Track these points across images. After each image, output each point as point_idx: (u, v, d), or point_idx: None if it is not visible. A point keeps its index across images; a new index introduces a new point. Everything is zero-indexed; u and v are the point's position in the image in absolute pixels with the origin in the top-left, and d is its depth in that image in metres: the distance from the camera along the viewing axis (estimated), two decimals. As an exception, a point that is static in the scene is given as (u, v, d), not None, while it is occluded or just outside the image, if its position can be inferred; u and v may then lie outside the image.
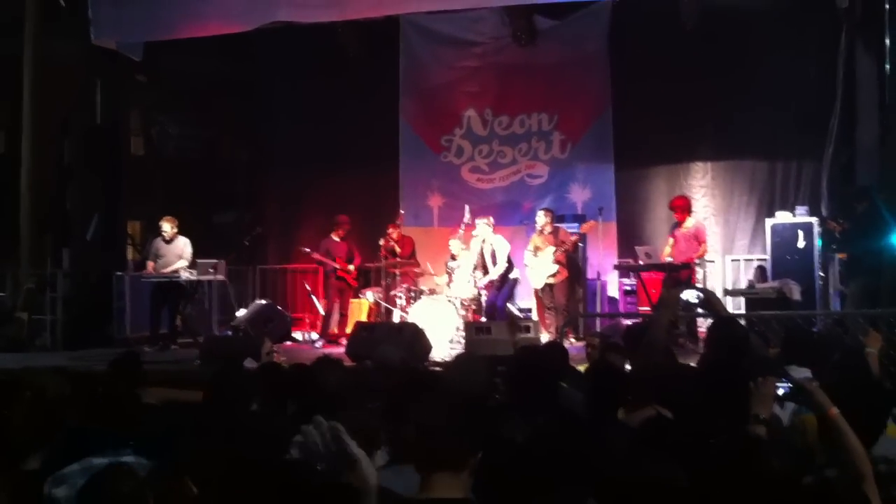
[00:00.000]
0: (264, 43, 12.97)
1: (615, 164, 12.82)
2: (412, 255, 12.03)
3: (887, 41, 10.30)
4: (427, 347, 9.16)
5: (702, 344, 7.69)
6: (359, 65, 13.44)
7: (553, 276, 10.94)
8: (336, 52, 13.27)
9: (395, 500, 2.96)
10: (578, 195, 12.99)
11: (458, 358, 6.29)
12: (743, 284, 11.40)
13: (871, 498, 2.90)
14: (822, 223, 10.67)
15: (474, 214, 11.44)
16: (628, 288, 12.10)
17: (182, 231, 11.29)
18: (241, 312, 11.47)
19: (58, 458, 3.51)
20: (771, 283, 10.40)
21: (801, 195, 11.96)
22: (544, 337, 10.20)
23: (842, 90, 10.75)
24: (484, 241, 11.07)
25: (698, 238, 10.59)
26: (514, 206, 13.13)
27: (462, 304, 10.73)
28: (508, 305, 11.21)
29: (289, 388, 4.80)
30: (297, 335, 12.33)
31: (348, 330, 11.25)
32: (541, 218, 11.17)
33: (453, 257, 11.35)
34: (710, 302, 6.43)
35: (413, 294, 11.31)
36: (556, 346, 6.04)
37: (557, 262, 10.89)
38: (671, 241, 10.74)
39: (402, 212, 12.65)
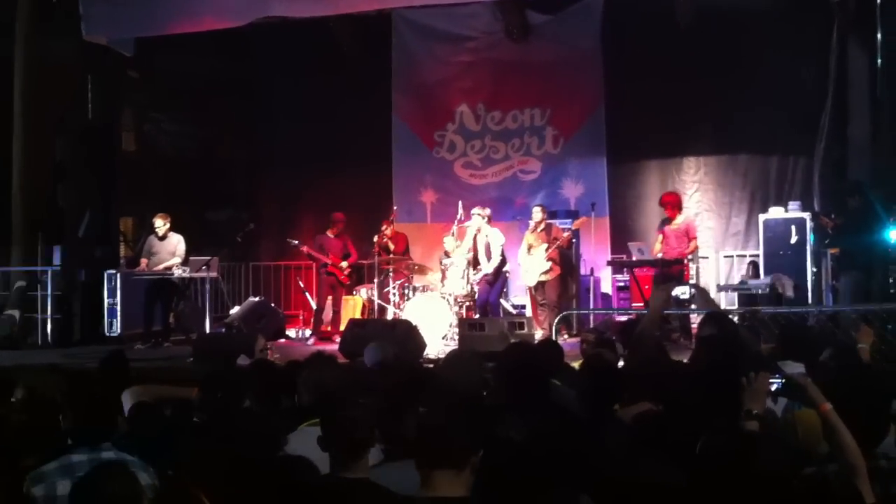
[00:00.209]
0: (259, 40, 12.95)
1: (608, 159, 12.83)
2: (406, 251, 12.03)
3: (879, 37, 10.33)
4: (421, 344, 9.15)
5: (694, 340, 7.70)
6: (353, 62, 13.44)
7: (546, 272, 10.93)
8: (330, 48, 13.25)
9: (396, 499, 2.96)
10: (571, 191, 12.99)
11: (451, 355, 6.29)
12: (736, 280, 11.43)
13: (864, 493, 2.91)
14: (815, 219, 10.69)
15: (469, 207, 11.41)
16: (621, 284, 12.12)
17: (175, 228, 11.26)
18: (234, 309, 11.45)
19: (53, 456, 3.51)
20: (763, 279, 10.43)
21: (793, 191, 11.99)
22: (538, 334, 10.20)
23: (834, 86, 10.79)
24: (479, 230, 11.04)
25: (689, 234, 10.60)
26: (506, 202, 13.12)
27: (456, 300, 10.72)
28: (502, 301, 11.20)
29: (282, 385, 4.80)
30: (291, 332, 12.32)
31: (342, 327, 11.23)
32: (537, 213, 11.16)
33: (447, 254, 11.33)
34: (701, 298, 6.45)
35: (407, 291, 11.30)
36: (551, 344, 6.04)
37: (550, 259, 10.88)
38: (660, 237, 10.75)
39: (395, 208, 12.64)
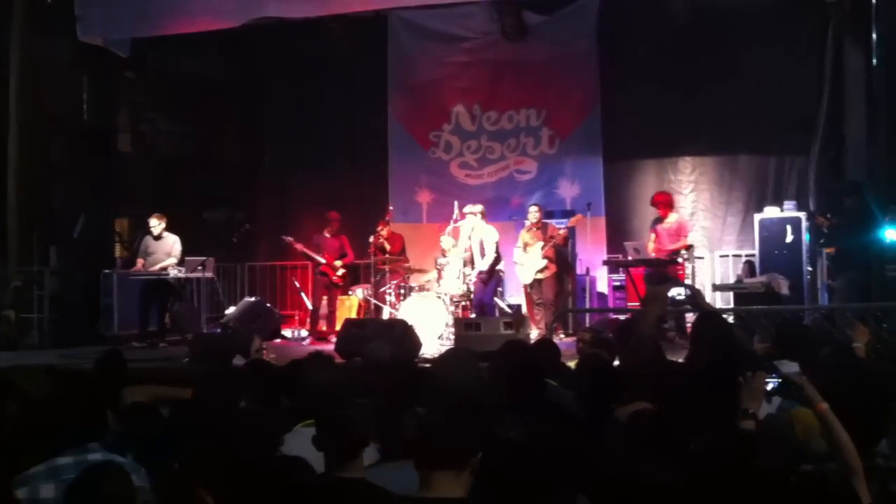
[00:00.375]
0: (254, 40, 12.95)
1: (604, 159, 12.84)
2: (402, 252, 12.02)
3: (874, 36, 10.34)
4: (417, 344, 9.15)
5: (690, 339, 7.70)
6: (349, 62, 13.44)
7: (542, 270, 10.94)
8: (326, 49, 13.24)
9: (393, 499, 2.95)
10: (567, 191, 12.99)
11: (446, 354, 6.28)
12: (731, 279, 11.43)
13: (860, 492, 2.91)
14: (811, 218, 10.71)
15: (463, 206, 11.41)
16: (617, 283, 12.13)
17: (171, 228, 11.26)
18: (230, 310, 11.43)
19: (48, 457, 3.49)
20: (759, 278, 10.43)
21: (789, 190, 12.00)
22: (534, 333, 10.21)
23: (829, 86, 10.80)
24: (473, 229, 11.04)
25: (680, 233, 10.62)
26: (502, 202, 13.11)
27: (452, 300, 10.72)
28: (496, 300, 11.21)
29: (279, 386, 4.80)
30: (287, 332, 12.30)
31: (338, 327, 11.22)
32: (533, 214, 11.16)
33: (444, 253, 11.33)
34: (696, 298, 6.46)
35: (403, 291, 11.30)
36: (547, 344, 6.03)
37: (546, 256, 10.89)
38: (653, 236, 10.76)
39: (391, 208, 12.64)
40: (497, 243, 10.99)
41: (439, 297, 10.64)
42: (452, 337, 9.71)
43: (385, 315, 11.19)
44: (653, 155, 12.90)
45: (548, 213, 11.75)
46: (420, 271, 11.70)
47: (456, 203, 11.62)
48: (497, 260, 10.99)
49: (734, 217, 12.50)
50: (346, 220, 12.30)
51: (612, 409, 4.09)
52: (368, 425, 3.26)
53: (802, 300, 10.39)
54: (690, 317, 9.58)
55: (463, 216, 11.17)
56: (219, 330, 10.98)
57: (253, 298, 11.91)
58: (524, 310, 11.32)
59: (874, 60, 10.35)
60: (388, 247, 11.76)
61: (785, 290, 10.01)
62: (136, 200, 13.23)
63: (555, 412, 4.07)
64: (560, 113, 13.12)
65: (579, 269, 11.95)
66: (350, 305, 11.99)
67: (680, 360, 5.64)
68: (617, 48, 12.58)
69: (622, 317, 9.49)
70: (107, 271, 11.99)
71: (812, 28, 11.34)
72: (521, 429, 3.36)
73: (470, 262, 10.99)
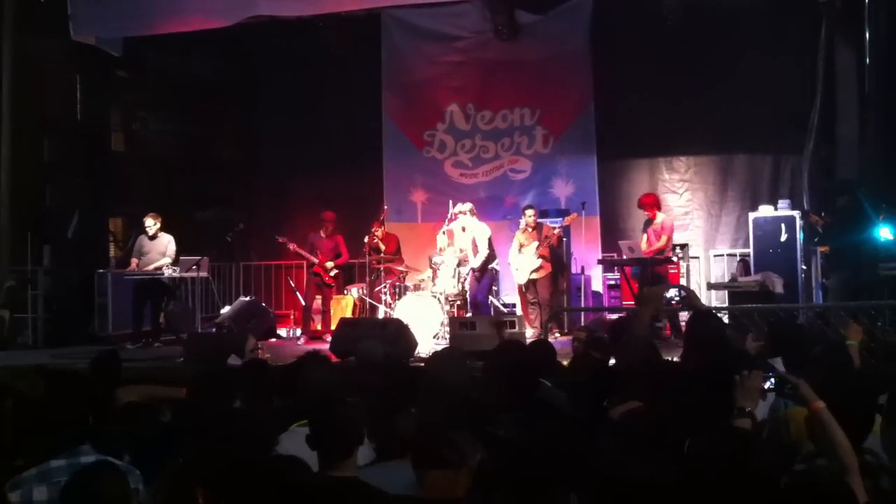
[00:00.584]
0: (248, 39, 12.90)
1: (598, 158, 12.84)
2: (397, 251, 12.02)
3: (867, 35, 10.37)
4: (412, 343, 9.15)
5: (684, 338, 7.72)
6: (343, 61, 13.38)
7: (536, 270, 10.94)
8: (320, 48, 13.22)
9: (387, 498, 2.95)
10: (561, 190, 13.00)
11: (437, 353, 6.28)
12: (726, 278, 11.45)
13: (855, 490, 2.92)
14: (805, 217, 10.73)
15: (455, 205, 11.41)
16: (612, 282, 12.15)
17: (165, 228, 11.23)
18: (224, 309, 11.42)
19: (43, 458, 3.48)
20: (753, 277, 10.45)
21: (783, 189, 12.03)
22: (529, 332, 10.21)
23: (822, 85, 10.82)
24: (464, 228, 11.04)
25: (661, 233, 10.64)
26: (497, 201, 13.12)
27: (447, 299, 10.72)
28: (492, 299, 11.21)
29: (274, 385, 4.79)
30: (282, 332, 12.29)
31: (333, 326, 11.21)
32: (529, 217, 11.15)
33: (440, 251, 11.32)
34: (690, 300, 6.47)
35: (398, 290, 11.29)
36: (543, 345, 6.02)
37: (541, 256, 10.90)
38: (644, 237, 10.79)
39: (385, 207, 12.63)
40: (490, 239, 10.99)
41: (434, 297, 10.63)
42: (448, 336, 9.70)
43: (380, 314, 11.18)
44: (647, 154, 12.92)
45: (542, 213, 11.77)
46: (415, 271, 11.69)
47: (450, 202, 11.61)
48: (491, 257, 10.99)
49: (728, 216, 12.52)
50: (342, 219, 12.27)
51: (605, 408, 4.09)
52: (362, 424, 3.26)
53: (797, 299, 10.42)
54: (684, 315, 9.64)
55: (455, 217, 11.18)
56: (213, 330, 10.97)
57: (247, 298, 11.90)
58: (518, 310, 11.31)
59: (867, 59, 10.37)
60: (382, 247, 11.75)
61: (779, 289, 10.04)
62: (131, 200, 13.20)
63: (547, 412, 4.06)
64: (554, 112, 13.13)
65: (574, 269, 11.96)
66: (345, 305, 11.99)
67: (675, 359, 5.64)
68: (610, 47, 12.58)
69: (616, 315, 9.50)
70: (101, 271, 11.97)
71: (805, 27, 11.35)
72: (514, 428, 3.36)
73: (465, 261, 10.99)
